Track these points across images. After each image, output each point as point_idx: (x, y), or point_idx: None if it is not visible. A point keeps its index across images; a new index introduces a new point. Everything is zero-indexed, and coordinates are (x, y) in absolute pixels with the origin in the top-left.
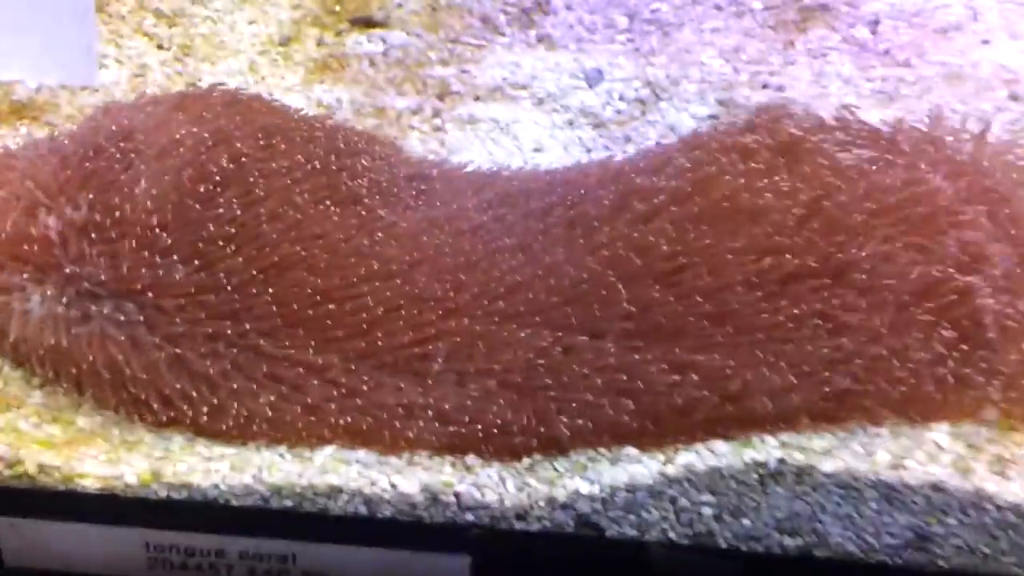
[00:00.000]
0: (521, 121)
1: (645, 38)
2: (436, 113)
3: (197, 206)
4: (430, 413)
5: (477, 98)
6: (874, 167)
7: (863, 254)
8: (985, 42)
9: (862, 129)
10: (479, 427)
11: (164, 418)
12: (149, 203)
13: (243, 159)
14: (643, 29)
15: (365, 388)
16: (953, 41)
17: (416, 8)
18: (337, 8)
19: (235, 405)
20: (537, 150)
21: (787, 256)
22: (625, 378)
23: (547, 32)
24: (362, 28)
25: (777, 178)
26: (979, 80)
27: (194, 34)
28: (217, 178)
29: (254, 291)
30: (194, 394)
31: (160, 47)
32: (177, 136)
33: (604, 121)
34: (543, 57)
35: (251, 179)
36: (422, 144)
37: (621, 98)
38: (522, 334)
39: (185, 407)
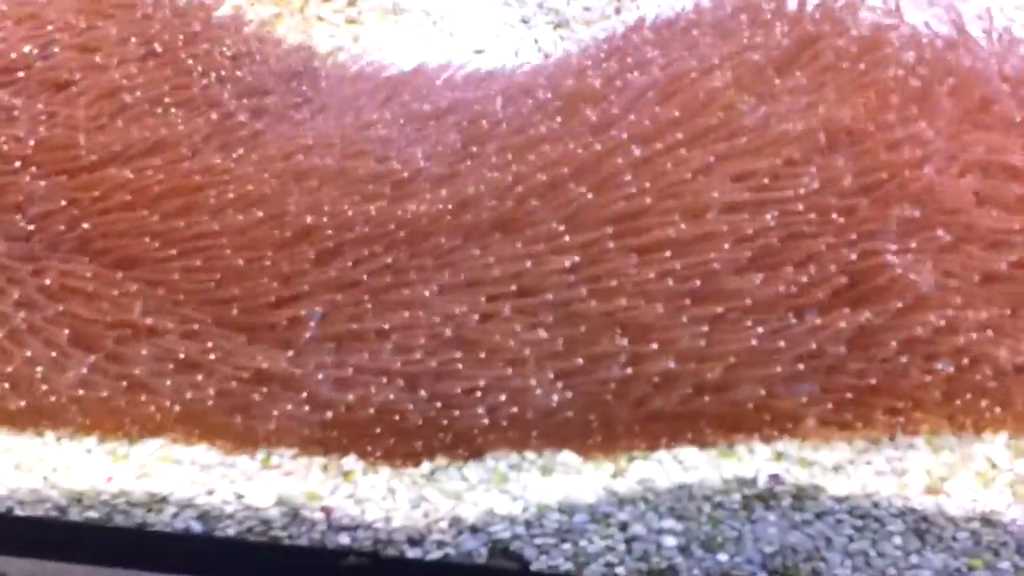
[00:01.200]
0: (461, 15)
1: None
2: (352, 2)
3: None
4: (297, 395)
5: None
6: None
7: (908, 177)
8: None
9: None
10: (362, 416)
11: None
12: None
13: (52, 43)
14: None
15: (210, 358)
16: None
17: None
18: None
19: (29, 378)
20: (479, 52)
21: (793, 197)
22: (563, 353)
23: None
24: None
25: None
26: None
27: None
28: (15, 71)
29: (60, 228)
30: None
31: None
32: None
33: (567, 19)
34: None
35: (63, 72)
36: (330, 40)
37: None
38: (427, 292)
39: None
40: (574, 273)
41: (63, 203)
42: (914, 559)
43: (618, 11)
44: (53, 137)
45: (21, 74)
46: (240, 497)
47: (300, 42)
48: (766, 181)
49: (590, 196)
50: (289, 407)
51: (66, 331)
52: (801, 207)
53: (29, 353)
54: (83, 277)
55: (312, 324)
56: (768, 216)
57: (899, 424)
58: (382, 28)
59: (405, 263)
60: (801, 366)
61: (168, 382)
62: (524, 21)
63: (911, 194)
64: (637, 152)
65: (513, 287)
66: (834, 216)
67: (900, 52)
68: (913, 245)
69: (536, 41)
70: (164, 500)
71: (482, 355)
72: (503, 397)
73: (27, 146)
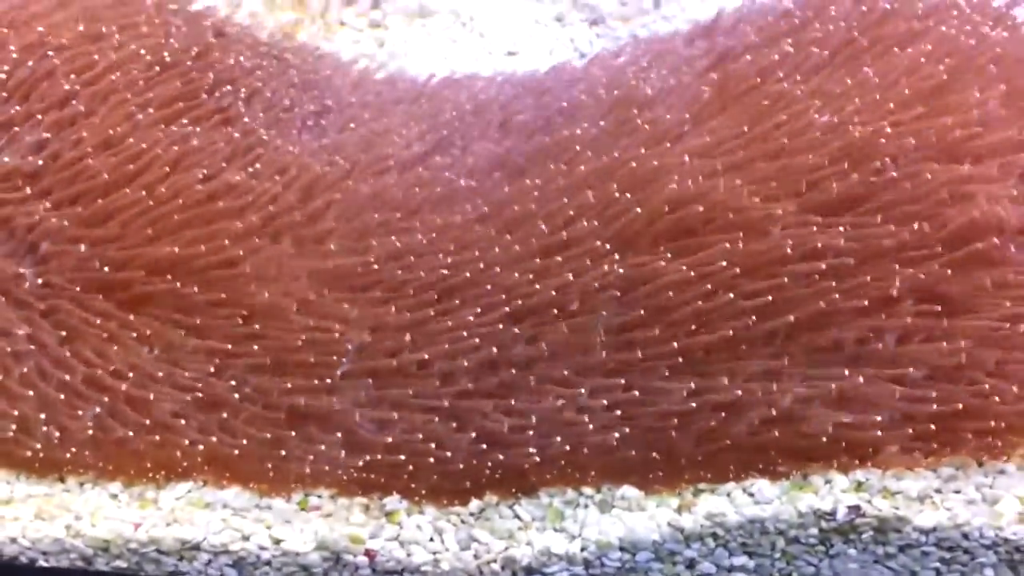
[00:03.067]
0: (492, 14)
1: None
2: (376, 4)
3: None
4: (334, 435)
5: None
6: None
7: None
8: None
9: None
10: (404, 455)
11: None
12: None
13: (53, 54)
14: None
15: (237, 397)
16: None
17: None
18: None
19: (41, 420)
20: (512, 53)
21: (871, 208)
22: (620, 384)
23: None
24: None
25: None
26: None
27: None
28: (11, 83)
29: (74, 262)
30: None
31: None
32: None
33: (603, 15)
34: None
35: (65, 85)
36: (354, 47)
37: None
38: (471, 320)
39: None
40: (625, 292)
41: (76, 235)
42: None
43: (657, 5)
44: (61, 161)
45: (11, 82)
46: (278, 542)
47: (322, 50)
48: (835, 187)
49: (641, 211)
50: (324, 448)
51: (83, 367)
52: (878, 219)
53: (40, 390)
54: (98, 317)
55: (348, 359)
56: (840, 229)
57: (989, 448)
58: (409, 32)
59: (446, 288)
60: (879, 393)
61: (189, 423)
62: (558, 19)
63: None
64: (693, 163)
65: (562, 308)
66: (917, 227)
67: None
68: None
69: (572, 40)
70: (196, 547)
71: (532, 385)
72: (557, 438)
73: (34, 170)
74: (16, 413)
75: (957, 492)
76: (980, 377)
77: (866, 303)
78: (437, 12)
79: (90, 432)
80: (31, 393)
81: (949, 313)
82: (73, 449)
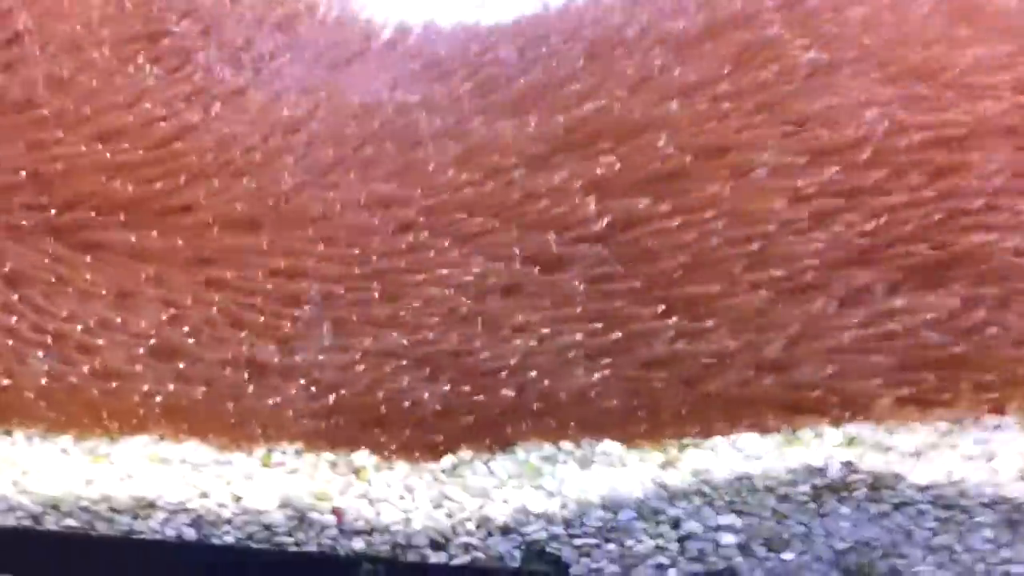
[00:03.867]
0: None
1: None
2: None
3: None
4: (298, 382)
5: None
6: None
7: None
8: None
9: None
10: (373, 405)
11: None
12: None
13: None
14: None
15: (192, 343)
16: None
17: None
18: None
19: None
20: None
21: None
22: (599, 329)
23: None
24: None
25: None
26: None
27: None
28: None
29: (22, 204)
30: None
31: None
32: None
33: None
34: None
35: (18, 23)
36: None
37: None
38: (441, 263)
39: None
40: (605, 240)
41: (23, 176)
42: (1006, 553)
43: None
44: (8, 98)
45: None
46: (238, 499)
47: None
48: (823, 131)
49: (623, 155)
50: (290, 393)
51: (33, 313)
52: (864, 157)
53: None
54: (48, 260)
55: (313, 301)
56: (829, 170)
57: (988, 402)
58: None
59: (416, 237)
60: (876, 341)
61: (147, 371)
62: None
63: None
64: (674, 107)
65: (539, 257)
66: (907, 169)
67: None
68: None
69: None
70: (152, 505)
71: (504, 332)
72: (533, 374)
73: None
74: None
75: (953, 447)
76: (977, 323)
77: (856, 251)
78: None
79: (41, 381)
80: None
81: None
82: (22, 398)
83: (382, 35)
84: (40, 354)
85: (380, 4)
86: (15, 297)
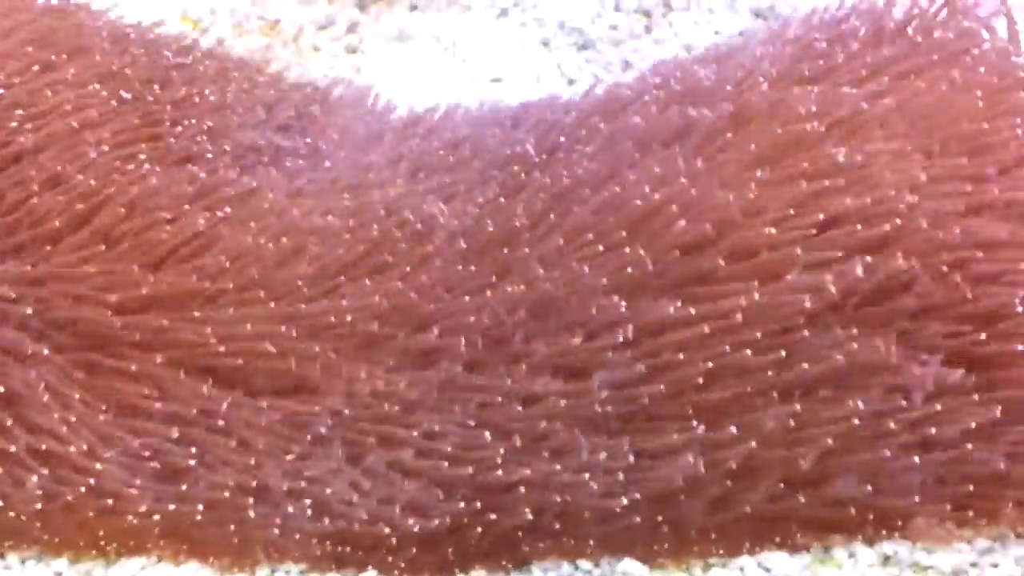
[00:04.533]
0: (475, 39)
1: None
2: (352, 28)
3: None
4: (304, 502)
5: (414, 7)
6: None
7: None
8: None
9: None
10: (383, 525)
11: None
12: None
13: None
14: None
15: (194, 463)
16: None
17: None
18: None
19: None
20: (496, 80)
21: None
22: (624, 446)
23: None
24: None
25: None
26: None
27: None
28: None
29: (21, 314)
30: None
31: None
32: None
33: (592, 40)
34: None
35: (12, 120)
36: (329, 73)
37: (617, 7)
38: (457, 372)
39: None
40: (631, 348)
41: (22, 286)
42: None
43: (648, 29)
44: (5, 203)
45: None
46: None
47: (295, 79)
48: (858, 227)
49: (647, 256)
50: (292, 516)
51: (25, 431)
52: (900, 256)
53: None
54: (45, 373)
55: (326, 420)
56: (858, 267)
57: None
58: (388, 57)
59: (431, 341)
60: (912, 452)
61: (141, 490)
62: (544, 44)
63: None
64: (703, 204)
65: (560, 366)
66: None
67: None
68: None
69: (559, 66)
70: None
71: (522, 444)
72: (553, 496)
73: None
74: None
75: (995, 567)
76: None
77: (892, 359)
78: (417, 36)
79: (36, 504)
80: None
81: (981, 370)
82: (17, 520)
83: (394, 121)
84: (35, 478)
85: (390, 82)
86: (9, 420)
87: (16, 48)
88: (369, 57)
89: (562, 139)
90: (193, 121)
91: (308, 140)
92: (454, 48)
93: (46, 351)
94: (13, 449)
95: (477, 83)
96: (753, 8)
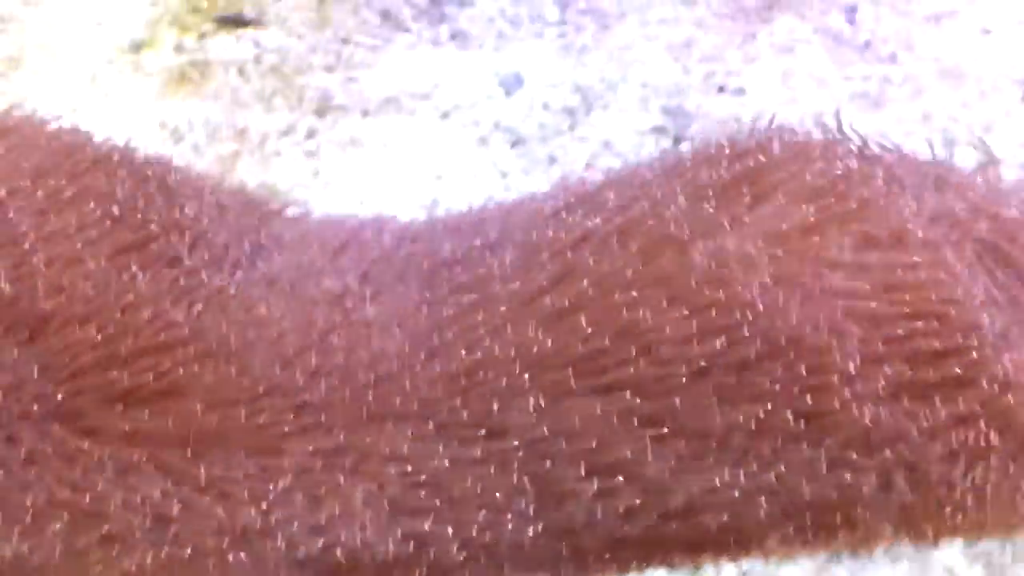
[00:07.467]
0: (419, 141)
1: (579, 33)
2: (311, 135)
3: None
4: (275, 541)
5: (366, 113)
6: None
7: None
8: (986, 32)
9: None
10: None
11: None
12: None
13: (10, 212)
14: (577, 22)
15: (180, 512)
16: (947, 31)
17: (299, 1)
18: (204, 4)
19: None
20: (439, 177)
21: (747, 332)
22: (533, 492)
23: (461, 28)
24: (230, 28)
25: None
26: (981, 78)
27: (24, 42)
28: None
29: (33, 393)
30: None
31: None
32: None
33: (524, 137)
34: (452, 58)
35: (23, 242)
36: (290, 175)
37: (545, 107)
38: (402, 442)
39: None
40: (539, 415)
41: (34, 369)
42: None
43: (572, 128)
44: (18, 307)
45: None
46: None
47: (258, 186)
48: (714, 314)
49: (550, 342)
50: (268, 549)
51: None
52: (746, 333)
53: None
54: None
55: (287, 475)
56: (717, 344)
57: (858, 539)
58: (342, 161)
59: (376, 410)
60: (761, 495)
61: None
62: (482, 142)
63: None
64: (593, 295)
65: (482, 431)
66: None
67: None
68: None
69: (494, 163)
70: None
71: (453, 495)
72: (475, 532)
73: None
74: None
75: None
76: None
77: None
78: (367, 142)
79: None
80: None
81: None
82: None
83: (360, 232)
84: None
85: (344, 183)
86: (31, 475)
87: (23, 173)
88: (325, 162)
89: (479, 243)
90: (174, 234)
91: (267, 243)
92: (401, 150)
93: (56, 424)
94: (34, 501)
95: (421, 181)
96: (663, 106)
